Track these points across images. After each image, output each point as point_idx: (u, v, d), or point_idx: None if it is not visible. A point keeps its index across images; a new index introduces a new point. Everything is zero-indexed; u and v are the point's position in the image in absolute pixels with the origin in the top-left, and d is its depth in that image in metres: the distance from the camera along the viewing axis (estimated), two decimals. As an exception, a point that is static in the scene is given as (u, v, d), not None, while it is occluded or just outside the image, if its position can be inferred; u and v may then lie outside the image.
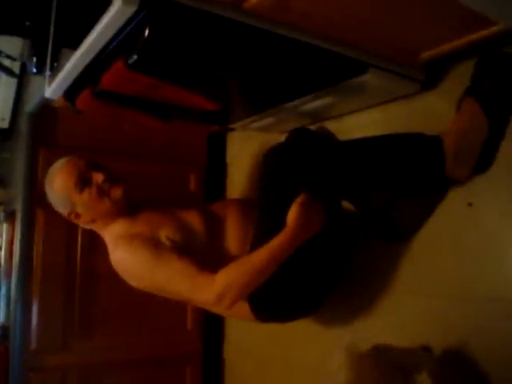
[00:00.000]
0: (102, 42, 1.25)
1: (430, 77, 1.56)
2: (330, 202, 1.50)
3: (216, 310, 1.59)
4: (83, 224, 1.65)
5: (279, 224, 1.44)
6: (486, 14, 1.09)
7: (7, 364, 2.07)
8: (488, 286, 1.41)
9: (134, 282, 1.58)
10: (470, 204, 1.47)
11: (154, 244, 1.49)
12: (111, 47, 1.27)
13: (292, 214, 1.43)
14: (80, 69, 1.39)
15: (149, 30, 1.16)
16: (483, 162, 1.42)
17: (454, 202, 1.51)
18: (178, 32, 1.19)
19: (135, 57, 1.22)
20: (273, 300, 1.54)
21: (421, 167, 1.47)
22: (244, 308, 1.55)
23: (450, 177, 1.45)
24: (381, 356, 1.31)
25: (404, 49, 1.40)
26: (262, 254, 1.42)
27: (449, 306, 1.50)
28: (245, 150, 2.46)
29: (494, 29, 1.23)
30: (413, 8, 1.17)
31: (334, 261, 1.60)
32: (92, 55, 1.31)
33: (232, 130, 2.42)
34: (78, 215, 1.60)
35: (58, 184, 1.58)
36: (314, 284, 1.56)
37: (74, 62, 1.38)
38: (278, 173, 1.48)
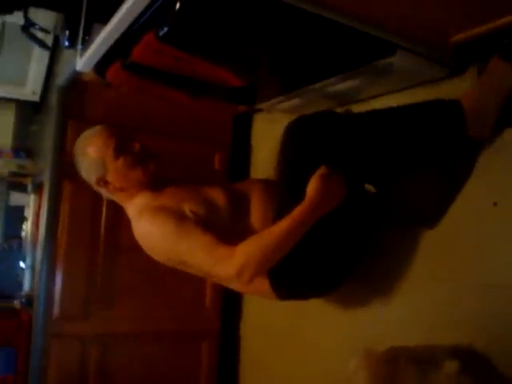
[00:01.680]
0: (134, 14, 1.27)
1: (458, 62, 1.54)
2: (352, 178, 1.49)
3: (236, 284, 1.61)
4: (109, 192, 1.64)
5: (300, 196, 1.44)
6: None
7: (30, 331, 2.13)
8: (507, 274, 1.41)
9: (156, 255, 1.60)
10: (495, 203, 1.46)
11: (177, 216, 1.51)
12: (142, 20, 1.30)
13: (312, 186, 1.43)
14: (111, 41, 1.42)
15: (180, 2, 1.18)
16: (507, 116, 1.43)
17: (479, 200, 1.50)
18: (208, 5, 1.21)
19: (166, 29, 1.24)
20: (293, 275, 1.54)
21: (442, 130, 1.46)
22: (263, 284, 1.55)
23: (473, 136, 1.45)
24: (398, 357, 1.31)
25: (433, 30, 1.39)
26: (282, 226, 1.42)
27: (468, 291, 1.50)
28: (270, 132, 2.47)
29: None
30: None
31: (356, 240, 1.60)
32: (123, 27, 1.34)
33: (258, 111, 2.43)
34: (106, 182, 1.60)
35: (95, 147, 1.59)
36: (335, 261, 1.55)
37: (106, 34, 1.41)
38: (299, 144, 1.49)
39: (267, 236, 1.44)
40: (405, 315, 1.68)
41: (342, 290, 1.71)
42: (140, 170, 1.59)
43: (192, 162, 2.38)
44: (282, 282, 1.57)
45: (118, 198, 1.67)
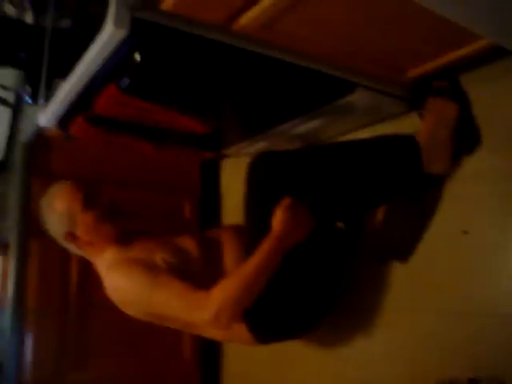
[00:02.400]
0: (95, 67, 1.27)
1: (417, 96, 1.58)
2: (318, 212, 1.49)
3: (215, 332, 1.58)
4: (78, 247, 1.61)
5: (267, 230, 1.44)
6: (473, 28, 1.11)
7: (1, 398, 2.04)
8: (485, 302, 1.42)
9: (128, 309, 1.57)
10: (465, 232, 1.48)
11: (149, 266, 1.48)
12: (103, 72, 1.30)
13: (277, 217, 1.43)
14: (73, 94, 1.42)
15: (140, 54, 1.19)
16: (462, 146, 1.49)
17: (449, 229, 1.53)
18: (169, 55, 1.23)
19: (127, 81, 1.26)
20: (269, 317, 1.52)
21: (399, 166, 1.51)
22: (241, 329, 1.53)
23: (430, 172, 1.50)
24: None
25: (390, 67, 1.43)
26: (252, 262, 1.41)
27: (446, 321, 1.50)
28: (238, 177, 2.46)
29: (478, 43, 1.26)
30: (399, 26, 1.21)
31: (329, 276, 1.59)
32: (85, 80, 1.34)
33: (225, 156, 2.44)
34: (75, 237, 1.57)
35: (62, 201, 1.56)
36: (310, 299, 1.54)
37: (68, 88, 1.41)
38: (262, 179, 1.50)
39: (239, 275, 1.42)
40: (388, 349, 1.67)
41: (323, 330, 1.70)
42: (109, 224, 1.57)
43: (161, 213, 2.36)
44: (259, 325, 1.54)
45: (86, 253, 1.64)
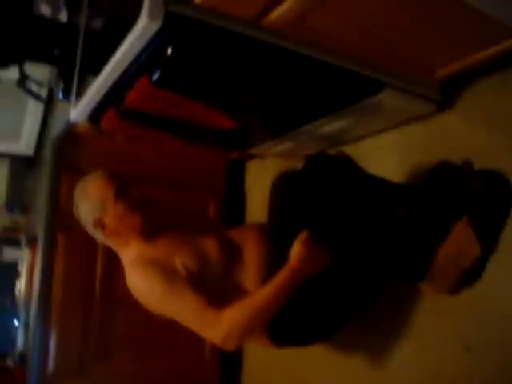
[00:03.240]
0: (128, 59, 1.30)
1: (445, 96, 1.58)
2: (339, 244, 1.48)
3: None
4: (105, 236, 1.62)
5: (285, 255, 1.45)
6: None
7: (25, 389, 2.07)
8: None
9: (147, 306, 1.58)
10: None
11: (168, 273, 1.49)
12: (135, 65, 1.33)
13: (294, 251, 1.44)
14: (106, 88, 1.45)
15: (172, 47, 1.21)
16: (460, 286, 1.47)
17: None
18: (200, 49, 1.24)
19: (159, 73, 1.28)
20: (288, 325, 1.53)
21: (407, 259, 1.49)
22: (261, 335, 1.55)
23: (426, 285, 1.50)
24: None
25: (419, 66, 1.44)
26: (266, 292, 1.42)
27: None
28: (263, 178, 2.49)
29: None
30: (429, 24, 1.21)
31: (349, 289, 1.60)
32: (118, 73, 1.37)
33: (251, 157, 2.45)
34: (103, 224, 1.58)
35: (96, 188, 1.59)
36: (329, 312, 1.56)
37: (99, 83, 1.44)
38: (286, 204, 1.50)
39: (252, 301, 1.42)
40: (408, 359, 1.66)
41: (345, 338, 1.69)
42: (138, 215, 1.59)
43: (186, 211, 2.39)
44: (277, 333, 1.55)
45: (112, 242, 1.66)
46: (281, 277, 1.42)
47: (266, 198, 2.37)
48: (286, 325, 1.53)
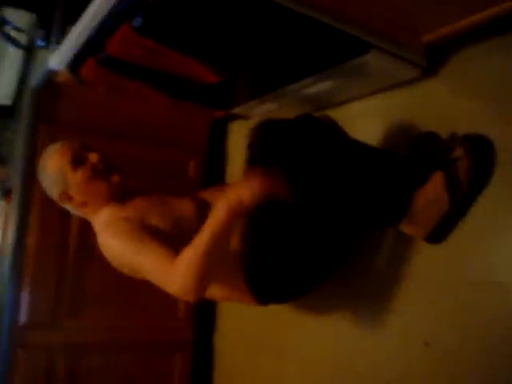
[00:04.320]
0: (108, 5, 1.26)
1: (430, 62, 1.57)
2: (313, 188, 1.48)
3: (214, 291, 1.58)
4: (74, 208, 1.61)
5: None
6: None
7: (-4, 339, 2.06)
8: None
9: (120, 267, 1.56)
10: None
11: (137, 226, 1.46)
12: (116, 11, 1.29)
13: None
14: (86, 34, 1.41)
15: (154, -8, 1.18)
16: (438, 233, 1.47)
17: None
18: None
19: (141, 19, 1.25)
20: (271, 278, 1.53)
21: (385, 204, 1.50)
22: (242, 291, 1.55)
23: (402, 230, 1.51)
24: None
25: (406, 30, 1.42)
26: (208, 229, 1.34)
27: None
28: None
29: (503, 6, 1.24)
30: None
31: (330, 238, 1.60)
32: (97, 20, 1.33)
33: (234, 118, 2.43)
34: (69, 197, 1.57)
35: (52, 163, 1.56)
36: (311, 263, 1.55)
37: (80, 28, 1.40)
38: (261, 147, 1.50)
39: (196, 242, 1.34)
40: (380, 314, 1.67)
41: (322, 296, 1.70)
42: (101, 182, 1.56)
43: (166, 168, 2.37)
44: (259, 288, 1.55)
45: (82, 213, 1.63)
46: (219, 211, 1.35)
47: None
48: (268, 279, 1.53)
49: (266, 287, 1.56)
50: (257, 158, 1.52)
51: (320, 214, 1.53)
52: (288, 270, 1.54)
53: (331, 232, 1.60)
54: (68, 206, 1.62)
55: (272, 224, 1.52)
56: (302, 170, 1.45)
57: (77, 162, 1.54)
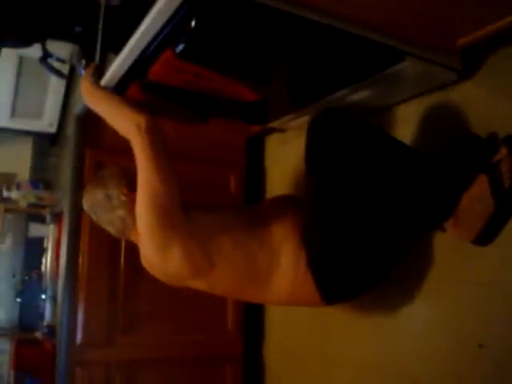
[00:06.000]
0: (152, 32, 1.31)
1: (466, 65, 1.58)
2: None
3: (279, 293, 1.55)
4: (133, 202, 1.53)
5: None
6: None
7: (54, 359, 2.13)
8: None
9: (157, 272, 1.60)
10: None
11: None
12: (159, 38, 1.34)
13: None
14: (130, 61, 1.47)
15: (196, 18, 1.22)
16: (485, 235, 1.47)
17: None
18: (223, 20, 1.25)
19: (183, 45, 1.29)
20: (338, 275, 1.51)
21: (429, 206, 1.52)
22: (308, 290, 1.51)
23: (451, 228, 1.51)
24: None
25: (441, 35, 1.43)
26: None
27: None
28: (283, 152, 2.51)
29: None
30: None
31: (396, 233, 1.61)
32: (142, 46, 1.39)
33: (270, 132, 2.47)
34: (134, 189, 1.50)
35: (118, 169, 1.63)
36: (378, 254, 1.54)
37: (124, 55, 1.45)
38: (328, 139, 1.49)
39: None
40: (432, 317, 1.68)
41: (373, 299, 1.70)
42: None
43: (208, 185, 2.41)
44: (326, 284, 1.51)
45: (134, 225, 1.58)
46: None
47: (286, 171, 2.41)
48: (336, 275, 1.51)
49: (333, 284, 1.53)
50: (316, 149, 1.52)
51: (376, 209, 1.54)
52: (354, 265, 1.51)
53: (390, 228, 1.59)
54: (125, 208, 1.57)
55: (334, 218, 1.51)
56: (359, 165, 1.49)
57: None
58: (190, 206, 1.52)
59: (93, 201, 1.62)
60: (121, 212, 1.58)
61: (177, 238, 1.45)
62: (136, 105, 1.47)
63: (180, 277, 1.56)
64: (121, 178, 1.59)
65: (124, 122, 1.46)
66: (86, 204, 1.64)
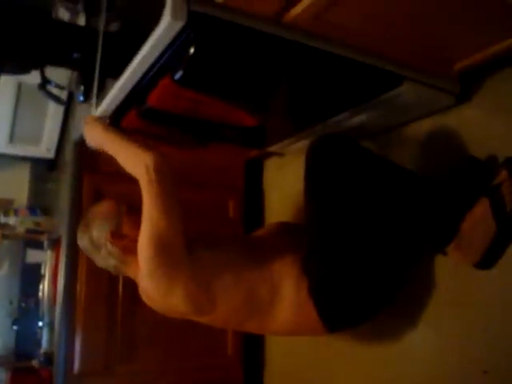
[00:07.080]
0: (151, 59, 1.32)
1: (463, 88, 1.59)
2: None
3: (280, 323, 1.54)
4: (122, 251, 1.56)
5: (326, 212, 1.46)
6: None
7: (51, 388, 2.10)
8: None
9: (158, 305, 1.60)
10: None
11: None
12: (158, 65, 1.35)
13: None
14: (128, 88, 1.47)
15: (194, 46, 1.23)
16: (487, 259, 1.46)
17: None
18: (222, 47, 1.26)
19: (181, 72, 1.30)
20: (340, 302, 1.50)
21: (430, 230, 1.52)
22: (311, 319, 1.50)
23: (454, 251, 1.50)
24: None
25: (439, 59, 1.44)
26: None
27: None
28: (281, 176, 2.50)
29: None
30: (447, 15, 1.22)
31: (398, 258, 1.60)
32: (140, 73, 1.39)
33: (268, 156, 2.47)
34: (121, 235, 1.54)
35: (107, 206, 1.61)
36: (382, 276, 1.53)
37: (123, 82, 1.45)
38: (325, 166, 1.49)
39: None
40: (437, 342, 1.66)
41: (369, 330, 1.68)
42: None
43: (207, 210, 2.40)
44: (329, 312, 1.50)
45: (128, 261, 1.58)
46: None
47: (284, 195, 2.40)
48: (339, 300, 1.50)
49: (336, 309, 1.51)
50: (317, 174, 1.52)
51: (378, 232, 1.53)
52: (357, 291, 1.50)
53: (392, 253, 1.59)
54: (114, 254, 1.56)
55: (336, 244, 1.50)
56: (359, 191, 1.49)
57: (131, 208, 1.59)
58: (192, 240, 1.50)
59: (83, 245, 1.62)
60: (112, 262, 1.59)
61: (179, 279, 1.44)
62: (147, 144, 1.47)
63: (181, 314, 1.56)
64: (106, 221, 1.57)
65: (133, 161, 1.46)
66: (80, 246, 1.65)
